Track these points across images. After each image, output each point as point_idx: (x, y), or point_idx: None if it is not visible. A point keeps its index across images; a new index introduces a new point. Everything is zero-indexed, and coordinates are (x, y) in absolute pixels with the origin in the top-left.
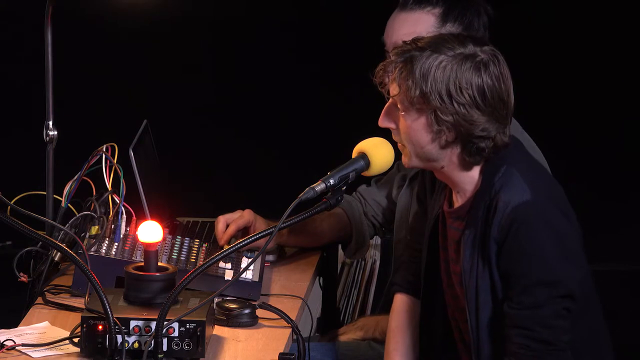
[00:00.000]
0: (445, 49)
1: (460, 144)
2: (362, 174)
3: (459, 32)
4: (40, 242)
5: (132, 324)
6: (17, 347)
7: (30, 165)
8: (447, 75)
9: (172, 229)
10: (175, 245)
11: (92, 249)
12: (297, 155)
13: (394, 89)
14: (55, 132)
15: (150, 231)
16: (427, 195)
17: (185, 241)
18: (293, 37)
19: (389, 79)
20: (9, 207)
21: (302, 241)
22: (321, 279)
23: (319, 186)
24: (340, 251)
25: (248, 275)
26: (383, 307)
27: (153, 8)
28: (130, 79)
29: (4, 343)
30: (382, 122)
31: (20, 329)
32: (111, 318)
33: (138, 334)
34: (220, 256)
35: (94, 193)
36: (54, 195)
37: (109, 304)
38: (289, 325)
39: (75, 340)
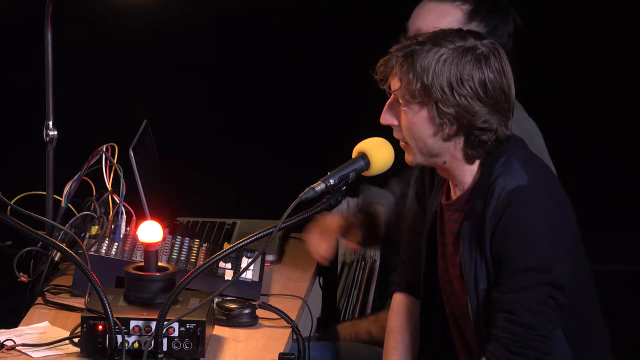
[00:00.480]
0: (445, 42)
1: (463, 137)
2: (362, 174)
3: (483, 33)
4: (40, 242)
5: (132, 324)
6: (17, 347)
7: (30, 165)
8: (448, 68)
9: (172, 229)
10: (175, 245)
11: (92, 249)
12: (297, 155)
13: (395, 84)
14: (55, 132)
15: (150, 231)
16: (427, 194)
17: (185, 241)
18: (293, 37)
19: (389, 75)
20: (9, 207)
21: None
22: (321, 279)
23: (319, 186)
24: (340, 251)
25: (248, 275)
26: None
27: (153, 8)
28: (130, 79)
29: (4, 343)
30: (384, 118)
31: (20, 329)
32: (111, 318)
33: (138, 334)
34: (220, 256)
35: (94, 193)
36: (54, 195)
37: (109, 304)
38: (289, 325)
39: (75, 340)
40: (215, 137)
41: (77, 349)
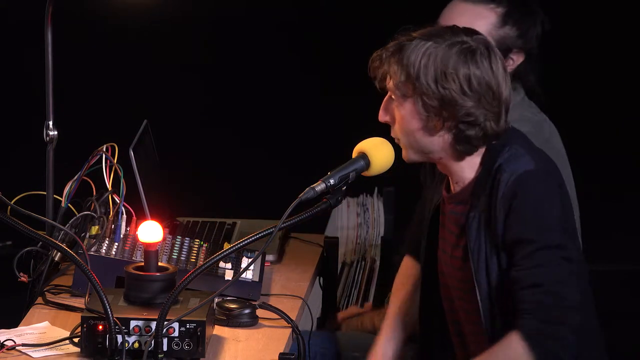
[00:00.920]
0: (435, 37)
1: (449, 132)
2: (362, 174)
3: (514, 37)
4: (40, 242)
5: (132, 324)
6: (17, 347)
7: (30, 165)
8: (432, 60)
9: (172, 229)
10: (175, 245)
11: (92, 249)
12: (297, 155)
13: (386, 80)
14: (55, 132)
15: (150, 231)
16: (428, 182)
17: (185, 241)
18: (293, 37)
19: (381, 70)
20: (9, 207)
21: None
22: (321, 279)
23: (319, 186)
24: (340, 251)
25: (248, 275)
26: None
27: (153, 8)
28: (130, 79)
29: (4, 343)
30: (381, 116)
31: (20, 329)
32: (111, 318)
33: (138, 334)
34: (220, 256)
35: (94, 193)
36: (54, 195)
37: (109, 304)
38: (289, 325)
39: (75, 340)
40: (215, 137)
41: (77, 349)
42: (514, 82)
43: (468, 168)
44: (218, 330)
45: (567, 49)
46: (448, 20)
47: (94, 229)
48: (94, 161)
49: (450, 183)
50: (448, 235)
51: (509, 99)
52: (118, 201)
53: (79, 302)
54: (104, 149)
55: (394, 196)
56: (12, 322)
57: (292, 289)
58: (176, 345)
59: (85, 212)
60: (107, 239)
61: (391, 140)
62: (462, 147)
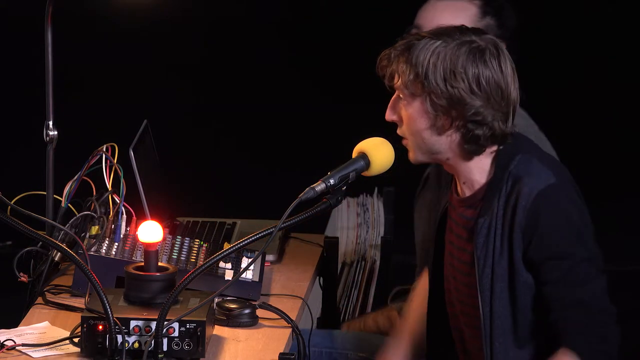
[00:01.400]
0: (444, 36)
1: (457, 131)
2: (362, 174)
3: (495, 27)
4: (40, 242)
5: (132, 324)
6: (17, 347)
7: (30, 165)
8: (441, 59)
9: (172, 229)
10: (175, 245)
11: (92, 249)
12: (296, 155)
13: (394, 78)
14: (55, 132)
15: (150, 231)
16: (433, 192)
17: (185, 241)
18: (293, 37)
19: (390, 68)
20: (9, 207)
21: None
22: (321, 279)
23: (319, 186)
24: (340, 251)
25: (248, 275)
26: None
27: (153, 8)
28: (130, 79)
29: (4, 343)
30: (388, 115)
31: (20, 329)
32: (111, 318)
33: (138, 334)
34: (220, 256)
35: (94, 193)
36: (54, 195)
37: (109, 304)
38: (289, 325)
39: (75, 340)
40: (215, 137)
41: (77, 349)
42: None
43: (477, 170)
44: (218, 330)
45: (567, 49)
46: (429, 19)
47: (94, 229)
48: (94, 161)
49: (458, 185)
50: (456, 239)
51: (517, 99)
52: (118, 201)
53: (79, 302)
54: (104, 149)
55: (394, 196)
56: (12, 322)
57: (292, 289)
58: (176, 345)
59: (85, 212)
60: (107, 239)
61: (391, 141)
62: (470, 147)
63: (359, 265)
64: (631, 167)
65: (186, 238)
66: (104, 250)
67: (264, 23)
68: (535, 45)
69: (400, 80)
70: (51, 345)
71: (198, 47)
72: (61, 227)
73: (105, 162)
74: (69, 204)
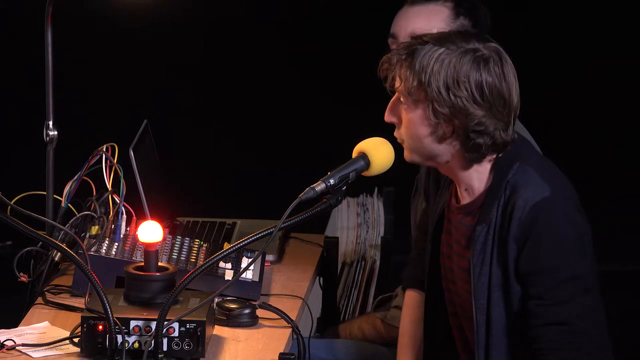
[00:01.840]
0: (447, 43)
1: (458, 139)
2: (362, 174)
3: (469, 26)
4: (40, 242)
5: (132, 324)
6: (17, 347)
7: (30, 165)
8: (445, 67)
9: (172, 229)
10: (175, 245)
11: (92, 249)
12: (296, 155)
13: (396, 82)
14: (55, 132)
15: (150, 231)
16: (431, 192)
17: (185, 241)
18: (293, 37)
19: (391, 72)
20: (9, 207)
21: None
22: (321, 279)
23: (319, 186)
24: (340, 251)
25: (248, 275)
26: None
27: (153, 8)
28: (130, 79)
29: (4, 343)
30: (387, 116)
31: (20, 329)
32: (111, 318)
33: (138, 334)
34: (220, 256)
35: (94, 193)
36: (54, 195)
37: (109, 304)
38: (289, 325)
39: (75, 340)
40: (215, 137)
41: (77, 349)
42: None
43: (476, 177)
44: (218, 330)
45: (567, 48)
46: (403, 27)
47: (94, 229)
48: (94, 161)
49: (459, 190)
50: (456, 245)
51: (518, 106)
52: (118, 201)
53: (79, 302)
54: (104, 149)
55: (394, 196)
56: (12, 322)
57: (292, 289)
58: (176, 345)
59: (85, 212)
60: (107, 239)
61: (391, 141)
62: (470, 155)
63: (359, 265)
64: (631, 167)
65: (186, 238)
66: (104, 250)
67: (264, 23)
68: (534, 45)
69: (402, 85)
70: (51, 345)
71: (198, 47)
72: (61, 227)
73: (105, 162)
74: (69, 204)
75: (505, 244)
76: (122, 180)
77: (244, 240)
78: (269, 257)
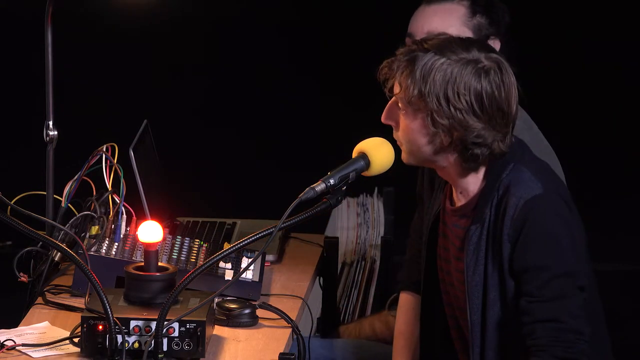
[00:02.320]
0: (449, 52)
1: (456, 150)
2: (362, 174)
3: (486, 24)
4: (40, 242)
5: (132, 324)
6: (17, 347)
7: (30, 165)
8: (446, 79)
9: (172, 229)
10: (175, 245)
11: (92, 249)
12: (297, 155)
13: (395, 87)
14: (55, 132)
15: (150, 231)
16: (426, 194)
17: (185, 241)
18: (293, 37)
19: (391, 77)
20: (9, 207)
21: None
22: (321, 279)
23: (319, 186)
24: (340, 251)
25: (248, 275)
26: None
27: (153, 8)
28: (130, 79)
29: (4, 343)
30: (384, 119)
31: (20, 329)
32: (111, 318)
33: (138, 334)
34: (220, 256)
35: (94, 193)
36: (54, 195)
37: (109, 304)
38: (289, 325)
39: (75, 340)
40: (215, 137)
41: (77, 349)
42: None
43: (472, 180)
44: (218, 330)
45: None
46: (420, 26)
47: (94, 229)
48: (94, 161)
49: (454, 193)
50: (451, 247)
51: (516, 115)
52: (118, 201)
53: (79, 302)
54: (104, 149)
55: (394, 196)
56: (12, 322)
57: (292, 289)
58: (176, 345)
59: (85, 212)
60: (107, 239)
61: (391, 141)
62: (467, 165)
63: (359, 265)
64: (631, 166)
65: (186, 238)
66: (104, 250)
67: (264, 23)
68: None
69: (402, 93)
70: (51, 345)
71: (198, 47)
72: (61, 227)
73: (105, 162)
74: (69, 204)
75: (499, 242)
76: (122, 180)
77: (244, 240)
78: (269, 257)
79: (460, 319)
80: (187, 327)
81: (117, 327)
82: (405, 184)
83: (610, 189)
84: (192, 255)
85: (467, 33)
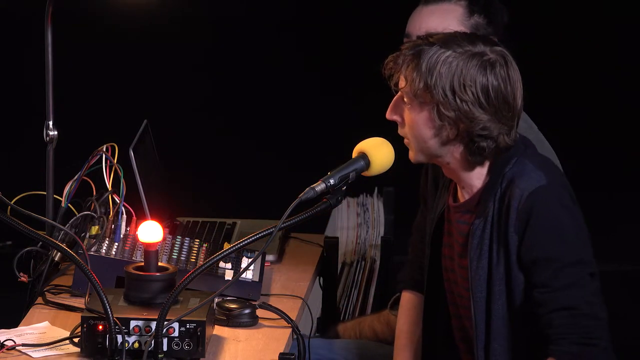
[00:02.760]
0: (454, 45)
1: (462, 142)
2: (362, 174)
3: (483, 24)
4: (40, 242)
5: (132, 324)
6: (17, 347)
7: (30, 165)
8: (452, 71)
9: (172, 229)
10: (175, 245)
11: (92, 249)
12: (297, 155)
13: (401, 82)
14: (55, 132)
15: (150, 231)
16: (430, 193)
17: (185, 241)
18: (293, 37)
19: (397, 72)
20: (9, 207)
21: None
22: (321, 279)
23: (319, 186)
24: (340, 251)
25: (248, 275)
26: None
27: (153, 8)
28: (130, 79)
29: (4, 343)
30: (389, 114)
31: (20, 329)
32: (111, 318)
33: (138, 334)
34: (220, 256)
35: (94, 193)
36: (54, 195)
37: (109, 304)
38: (289, 325)
39: (75, 340)
40: (215, 137)
41: (77, 349)
42: None
43: (477, 176)
44: (218, 330)
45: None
46: (419, 25)
47: (94, 229)
48: (94, 161)
49: (458, 190)
50: (456, 244)
51: (522, 109)
52: (118, 201)
53: (79, 302)
54: (104, 149)
55: (394, 196)
56: (12, 322)
57: (292, 289)
58: (176, 345)
59: (85, 212)
60: (107, 239)
61: (391, 141)
62: (473, 159)
63: (359, 265)
64: (631, 166)
65: (186, 238)
66: (104, 250)
67: (264, 23)
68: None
69: (408, 86)
70: (51, 345)
71: (198, 47)
72: (61, 227)
73: (105, 162)
74: (69, 204)
75: (505, 235)
76: (122, 180)
77: (244, 240)
78: (269, 257)
79: (465, 319)
80: (187, 327)
81: (117, 327)
82: (405, 184)
83: (610, 189)
84: (192, 255)
85: None
